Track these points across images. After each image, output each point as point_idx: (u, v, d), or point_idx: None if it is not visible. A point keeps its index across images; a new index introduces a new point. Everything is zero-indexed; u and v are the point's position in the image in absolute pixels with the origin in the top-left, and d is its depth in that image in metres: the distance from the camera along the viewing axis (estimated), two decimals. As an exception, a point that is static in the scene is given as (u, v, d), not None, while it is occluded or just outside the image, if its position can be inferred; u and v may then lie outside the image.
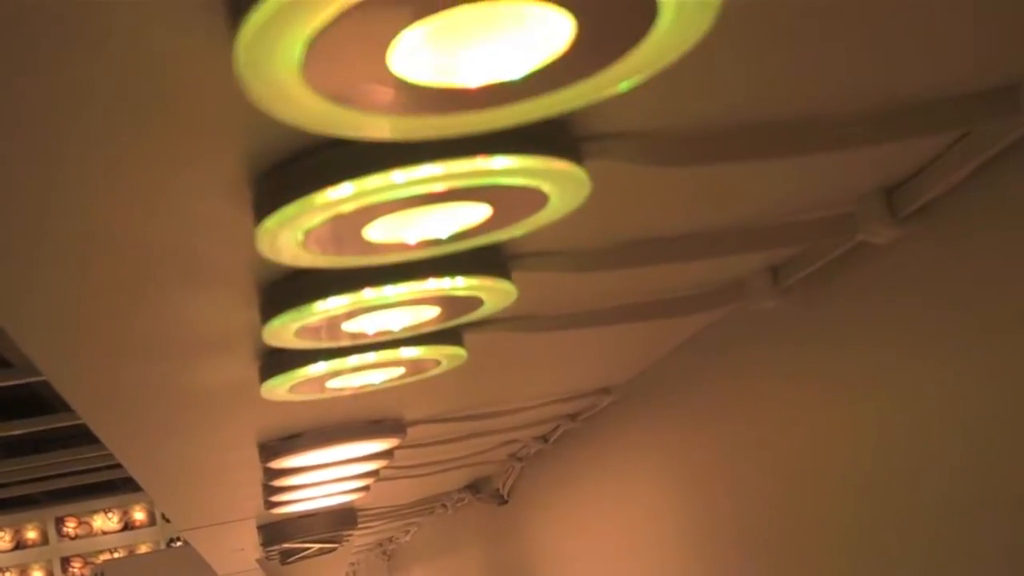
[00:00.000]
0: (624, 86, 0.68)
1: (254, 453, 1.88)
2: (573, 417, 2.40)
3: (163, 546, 11.49)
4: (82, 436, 7.39)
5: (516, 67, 0.64)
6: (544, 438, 2.65)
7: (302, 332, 1.12)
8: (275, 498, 2.27)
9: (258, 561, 3.66)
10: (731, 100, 0.89)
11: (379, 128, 0.69)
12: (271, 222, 0.82)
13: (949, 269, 1.22)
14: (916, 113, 0.97)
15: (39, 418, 6.91)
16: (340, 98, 0.64)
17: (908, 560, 1.36)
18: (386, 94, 0.64)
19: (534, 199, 0.88)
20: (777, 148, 0.96)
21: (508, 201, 0.88)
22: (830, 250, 1.32)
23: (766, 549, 1.76)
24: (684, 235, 1.20)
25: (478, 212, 0.89)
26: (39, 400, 6.80)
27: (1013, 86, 0.96)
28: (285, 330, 1.10)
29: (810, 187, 1.16)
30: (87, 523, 11.86)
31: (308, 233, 0.86)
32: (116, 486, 10.61)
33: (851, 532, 1.49)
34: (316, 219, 0.83)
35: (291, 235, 0.85)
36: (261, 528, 3.00)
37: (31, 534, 11.76)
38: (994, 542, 1.21)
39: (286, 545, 3.05)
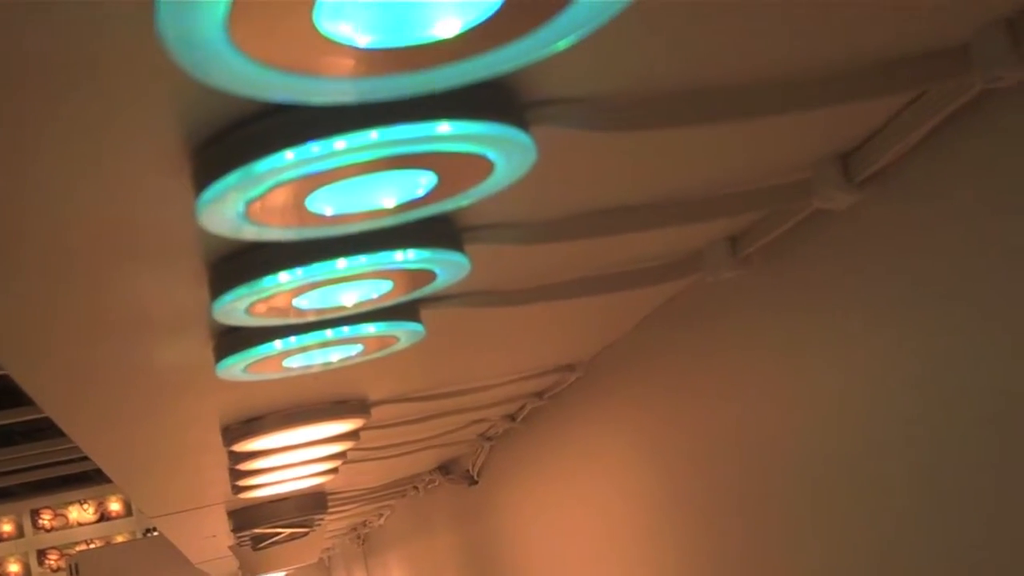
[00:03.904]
0: (562, 44, 0.67)
1: (217, 436, 1.86)
2: (539, 395, 2.40)
3: (139, 536, 11.45)
4: (56, 428, 7.33)
5: (449, 26, 0.63)
6: (512, 417, 2.64)
7: (254, 309, 1.11)
8: (242, 482, 2.26)
9: (231, 548, 3.65)
10: (677, 63, 0.88)
11: (312, 92, 0.67)
12: (211, 193, 0.80)
13: (905, 234, 1.22)
14: (867, 74, 0.96)
15: (13, 410, 6.86)
16: (269, 60, 0.62)
17: (870, 526, 1.36)
18: (315, 54, 0.63)
19: (480, 166, 0.86)
20: (728, 111, 0.95)
21: (454, 169, 0.87)
22: (787, 218, 1.31)
23: (734, 520, 1.76)
24: (636, 205, 1.19)
25: (424, 180, 0.88)
26: (12, 392, 6.74)
27: (963, 46, 0.96)
28: (236, 307, 1.09)
29: (765, 153, 1.15)
30: (63, 515, 11.81)
31: (250, 204, 0.84)
32: (91, 477, 10.56)
33: (815, 499, 1.49)
34: (257, 189, 0.81)
35: (232, 206, 0.84)
36: (231, 514, 2.98)
37: (6, 527, 11.70)
38: (953, 508, 1.21)
39: (257, 530, 3.04)
